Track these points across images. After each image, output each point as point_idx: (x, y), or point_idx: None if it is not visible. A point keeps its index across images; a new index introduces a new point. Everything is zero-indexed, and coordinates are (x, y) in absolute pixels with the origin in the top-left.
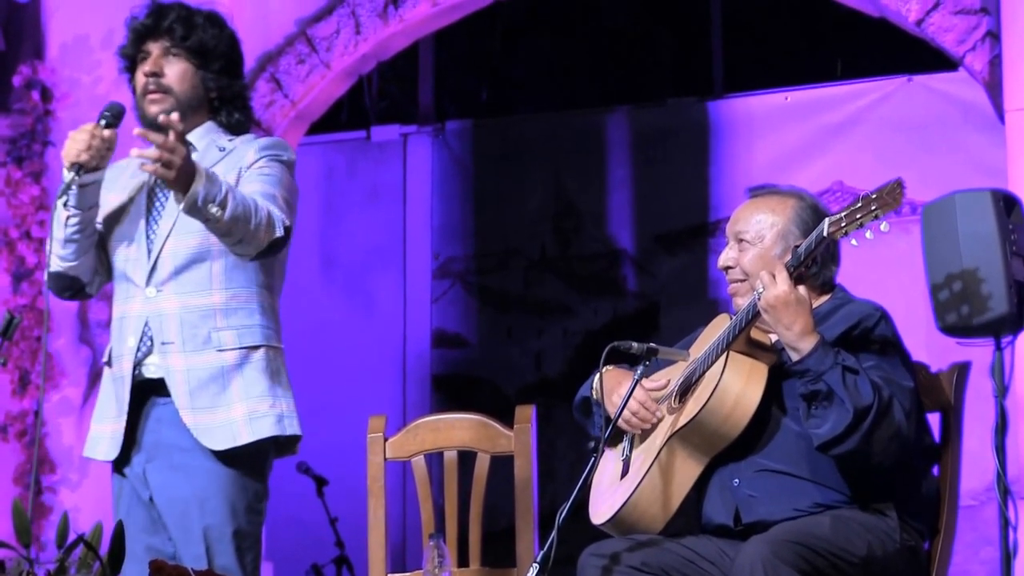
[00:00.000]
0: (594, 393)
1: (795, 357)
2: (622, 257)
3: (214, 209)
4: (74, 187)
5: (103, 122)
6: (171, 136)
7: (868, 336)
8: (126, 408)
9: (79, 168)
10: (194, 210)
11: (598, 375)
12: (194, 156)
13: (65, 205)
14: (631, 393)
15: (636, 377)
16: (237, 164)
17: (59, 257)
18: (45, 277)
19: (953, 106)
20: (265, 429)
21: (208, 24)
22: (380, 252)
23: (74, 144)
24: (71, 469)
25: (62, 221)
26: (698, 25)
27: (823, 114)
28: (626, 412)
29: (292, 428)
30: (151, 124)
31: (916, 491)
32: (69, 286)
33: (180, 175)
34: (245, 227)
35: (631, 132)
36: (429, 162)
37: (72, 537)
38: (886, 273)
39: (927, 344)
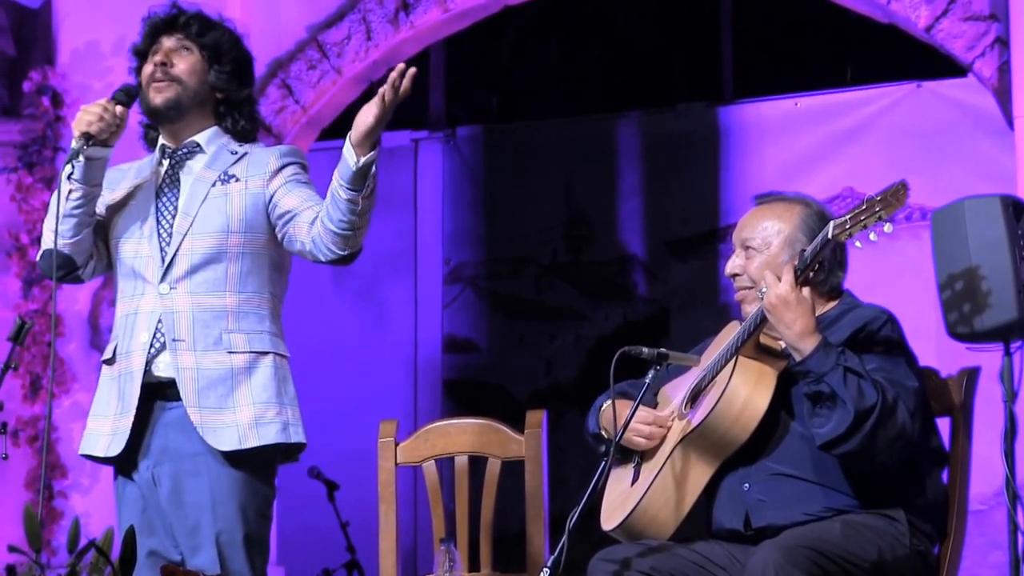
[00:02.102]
0: (604, 432)
1: (797, 358)
2: (633, 263)
3: (371, 182)
4: (80, 157)
5: (115, 99)
6: (406, 83)
7: (873, 338)
8: (134, 405)
9: (88, 138)
10: (365, 171)
11: (604, 406)
12: (206, 158)
13: (69, 177)
14: (632, 416)
15: (637, 400)
16: (261, 168)
17: (56, 233)
18: (38, 257)
19: (962, 112)
20: (270, 435)
21: (224, 29)
22: (391, 258)
23: (85, 115)
24: (82, 474)
25: (64, 194)
26: (708, 31)
27: (833, 120)
28: (639, 440)
29: (297, 436)
30: (153, 114)
31: (925, 495)
32: (63, 265)
33: (384, 120)
34: (368, 216)
35: (641, 138)
36: (440, 168)
37: (83, 542)
38: (896, 278)
39: (937, 349)
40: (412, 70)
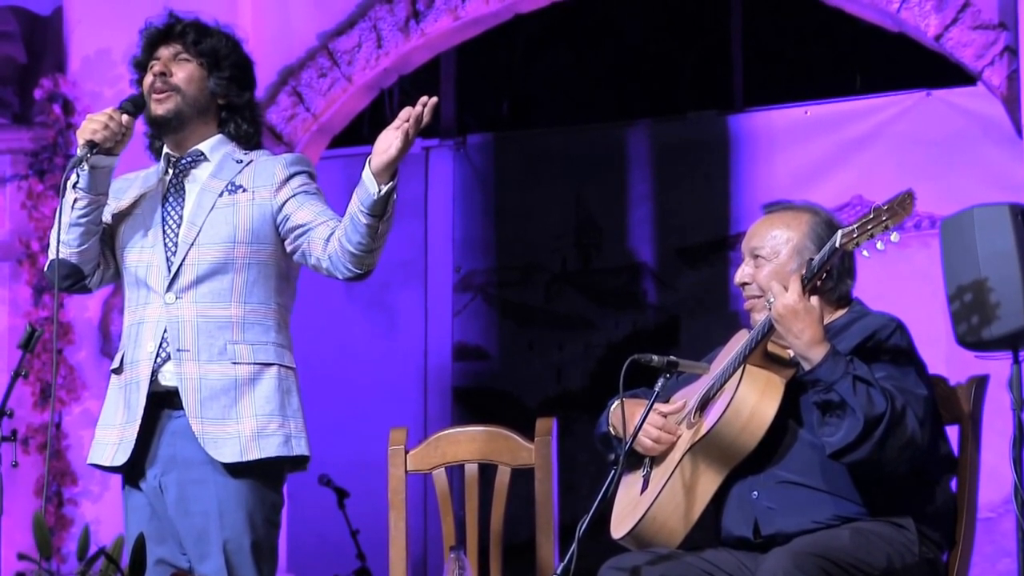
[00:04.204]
0: (612, 430)
1: (806, 367)
2: (643, 271)
3: (390, 208)
4: (85, 165)
5: (123, 108)
6: (427, 117)
7: (882, 346)
8: (139, 414)
9: (93, 146)
10: (384, 199)
11: (614, 405)
12: (210, 167)
13: (74, 186)
14: (645, 417)
15: (649, 403)
16: (268, 179)
17: (62, 243)
18: (46, 267)
19: (971, 121)
20: (271, 448)
21: (221, 35)
22: (402, 265)
23: (90, 123)
24: (92, 481)
25: (69, 203)
26: (718, 39)
27: (842, 128)
28: (647, 441)
29: (299, 449)
30: (155, 124)
31: (934, 503)
32: (69, 274)
33: (406, 152)
34: (386, 238)
35: (652, 146)
36: (450, 176)
37: (93, 549)
38: (906, 287)
39: (946, 357)
40: (433, 100)
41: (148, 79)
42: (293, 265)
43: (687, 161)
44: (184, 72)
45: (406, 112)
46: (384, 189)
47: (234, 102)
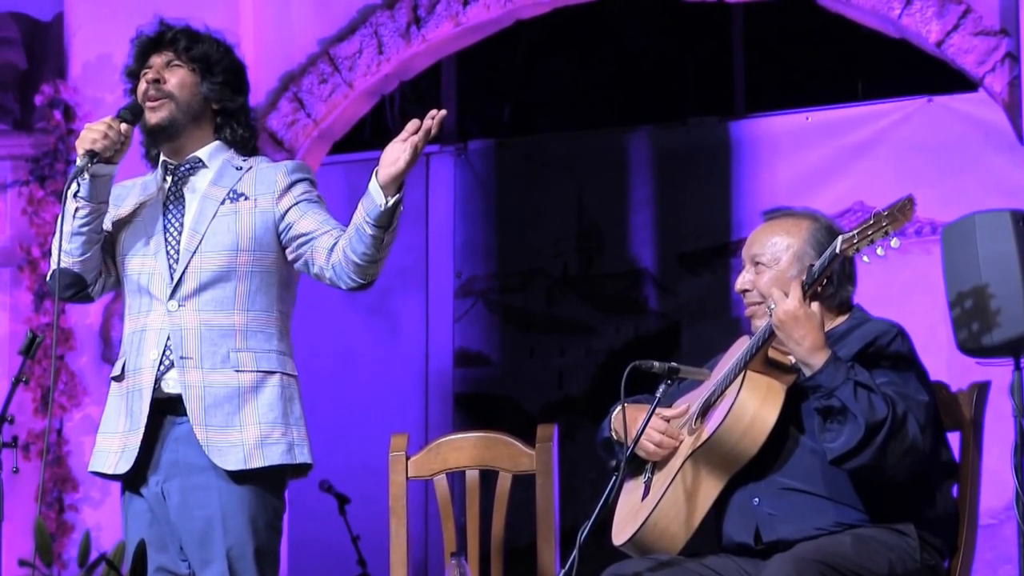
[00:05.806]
0: (614, 434)
1: (807, 373)
2: (644, 276)
3: (395, 220)
4: (86, 175)
5: (120, 117)
6: (434, 130)
7: (883, 352)
8: (143, 422)
9: (93, 156)
10: (391, 211)
11: (616, 412)
12: (210, 174)
13: (75, 196)
14: (647, 422)
15: (652, 408)
16: (270, 186)
17: (64, 252)
18: (48, 277)
19: (973, 127)
20: (275, 456)
21: (212, 40)
22: (403, 271)
23: (90, 133)
24: (93, 487)
25: (70, 213)
26: (720, 45)
27: (844, 134)
28: (650, 445)
29: (302, 457)
30: (151, 132)
31: (936, 509)
32: (72, 283)
33: (412, 165)
34: (390, 248)
35: (653, 152)
36: (451, 181)
37: (94, 556)
38: (907, 293)
39: (947, 363)
40: (442, 113)
41: (141, 87)
42: (294, 272)
43: (688, 167)
44: (177, 78)
45: (413, 124)
46: (391, 201)
47: (228, 107)
